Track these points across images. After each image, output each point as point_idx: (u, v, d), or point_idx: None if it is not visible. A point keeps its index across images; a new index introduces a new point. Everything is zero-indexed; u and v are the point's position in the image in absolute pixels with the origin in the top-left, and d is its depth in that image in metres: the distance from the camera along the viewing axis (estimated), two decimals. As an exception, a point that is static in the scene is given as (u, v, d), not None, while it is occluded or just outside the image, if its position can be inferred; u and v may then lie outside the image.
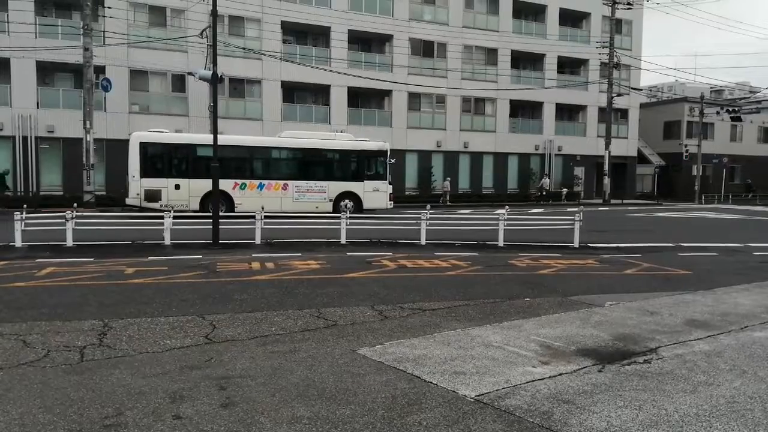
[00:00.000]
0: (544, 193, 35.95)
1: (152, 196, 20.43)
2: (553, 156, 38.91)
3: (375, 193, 23.23)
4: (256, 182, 21.83)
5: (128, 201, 20.72)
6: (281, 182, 22.13)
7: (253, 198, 21.12)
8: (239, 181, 21.47)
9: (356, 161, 23.44)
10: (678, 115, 47.08)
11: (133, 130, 22.78)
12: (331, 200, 22.65)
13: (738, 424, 3.94)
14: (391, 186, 23.80)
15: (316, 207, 22.23)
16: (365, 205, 23.06)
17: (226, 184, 20.15)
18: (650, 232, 19.21)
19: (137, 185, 20.47)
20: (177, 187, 20.73)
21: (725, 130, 48.87)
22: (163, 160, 21.26)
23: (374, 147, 23.63)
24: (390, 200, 23.58)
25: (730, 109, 45.06)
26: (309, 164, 22.97)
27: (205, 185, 18.53)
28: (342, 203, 22.54)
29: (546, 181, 36.60)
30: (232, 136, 22.73)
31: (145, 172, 20.59)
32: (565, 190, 37.79)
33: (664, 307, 7.50)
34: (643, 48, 42.35)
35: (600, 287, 9.16)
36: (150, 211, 19.26)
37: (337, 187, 22.81)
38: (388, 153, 23.71)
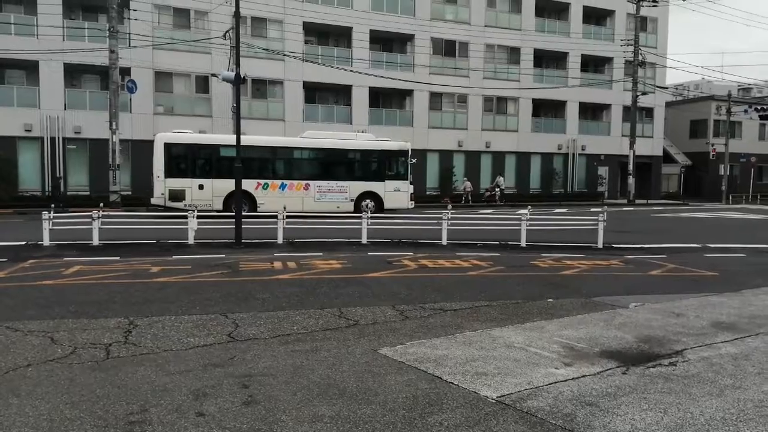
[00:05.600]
0: (497, 191, 32.87)
1: (176, 196, 20.68)
2: (577, 155, 38.50)
3: (396, 193, 23.23)
4: (278, 182, 21.97)
5: (153, 201, 21.00)
6: (303, 182, 22.24)
7: (275, 198, 21.25)
8: (261, 181, 21.63)
9: (377, 161, 23.47)
10: (704, 114, 46.25)
11: (157, 131, 23.07)
12: (352, 200, 22.70)
13: (766, 428, 3.86)
14: (412, 186, 23.78)
15: (338, 207, 22.31)
16: (386, 205, 23.07)
17: (248, 184, 20.32)
18: (675, 232, 18.91)
19: (162, 185, 20.73)
20: (201, 187, 20.96)
21: (753, 128, 47.90)
22: (187, 161, 21.50)
23: (395, 147, 23.64)
24: (411, 200, 23.57)
25: (759, 107, 44.18)
26: (330, 164, 23.07)
27: (228, 185, 18.70)
28: (363, 203, 22.58)
29: (500, 180, 33.61)
30: (255, 136, 22.90)
31: (170, 173, 20.85)
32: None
33: (689, 309, 7.38)
34: (668, 46, 41.76)
35: (624, 288, 9.04)
36: (174, 211, 19.50)
37: (358, 187, 22.86)
38: (410, 153, 23.70)
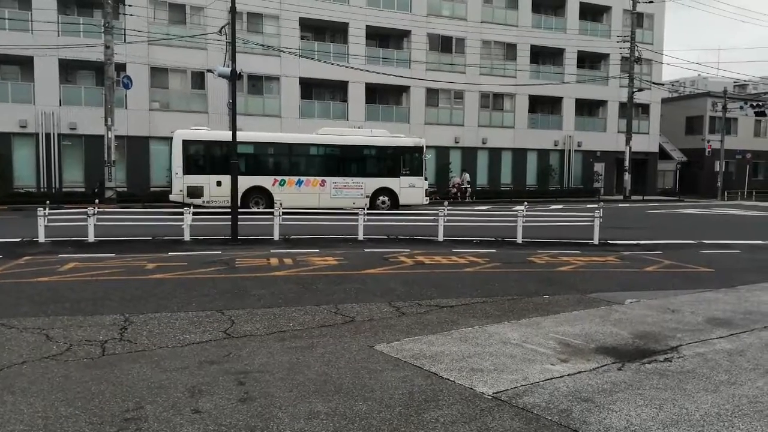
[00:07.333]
0: (466, 187, 32.60)
1: (194, 192, 20.74)
2: (573, 152, 38.55)
3: (411, 189, 23.41)
4: (295, 179, 22.11)
5: (171, 197, 21.12)
6: (319, 179, 22.41)
7: (292, 194, 21.36)
8: (278, 178, 21.75)
9: (392, 158, 23.69)
10: (700, 110, 46.33)
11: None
12: (367, 196, 22.81)
13: (761, 424, 3.87)
14: (426, 182, 23.96)
15: (353, 203, 22.32)
16: (401, 201, 23.25)
17: (265, 181, 20.72)
18: (671, 229, 18.96)
19: (180, 182, 20.79)
20: (219, 183, 20.91)
21: (749, 125, 47.99)
22: (205, 158, 21.60)
23: (410, 143, 23.85)
24: (426, 196, 23.76)
25: (754, 103, 44.26)
26: (346, 161, 23.24)
27: (245, 182, 18.88)
28: (378, 199, 22.76)
29: (466, 176, 33.31)
30: (271, 133, 23.18)
31: (188, 170, 20.94)
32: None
33: (685, 305, 7.40)
34: (665, 42, 41.74)
35: (620, 284, 9.06)
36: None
37: (373, 183, 23.04)
38: (424, 149, 23.89)
